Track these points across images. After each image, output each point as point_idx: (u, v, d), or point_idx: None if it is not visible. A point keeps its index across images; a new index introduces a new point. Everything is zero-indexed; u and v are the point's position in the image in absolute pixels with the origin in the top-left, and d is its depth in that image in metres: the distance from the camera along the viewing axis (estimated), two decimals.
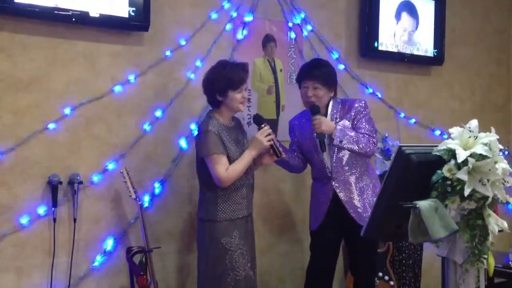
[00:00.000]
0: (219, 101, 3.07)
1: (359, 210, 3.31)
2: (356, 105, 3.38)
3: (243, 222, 3.11)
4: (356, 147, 3.25)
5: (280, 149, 3.21)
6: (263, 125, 3.13)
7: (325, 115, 3.37)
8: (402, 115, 4.69)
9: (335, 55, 4.32)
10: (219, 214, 3.03)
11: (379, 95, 4.55)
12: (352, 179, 3.34)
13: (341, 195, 3.33)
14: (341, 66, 4.34)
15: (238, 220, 3.07)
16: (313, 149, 3.39)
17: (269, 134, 3.10)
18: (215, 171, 2.98)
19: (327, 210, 3.36)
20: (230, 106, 3.08)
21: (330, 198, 3.35)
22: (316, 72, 3.34)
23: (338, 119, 3.35)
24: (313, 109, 3.29)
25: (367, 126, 3.34)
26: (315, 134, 3.27)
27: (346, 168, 3.33)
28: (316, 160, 3.40)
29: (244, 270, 3.04)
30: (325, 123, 3.25)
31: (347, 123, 3.33)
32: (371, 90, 4.50)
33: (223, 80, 3.02)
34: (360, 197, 3.33)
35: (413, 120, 4.76)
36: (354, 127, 3.33)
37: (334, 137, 3.23)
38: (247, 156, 3.05)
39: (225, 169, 2.98)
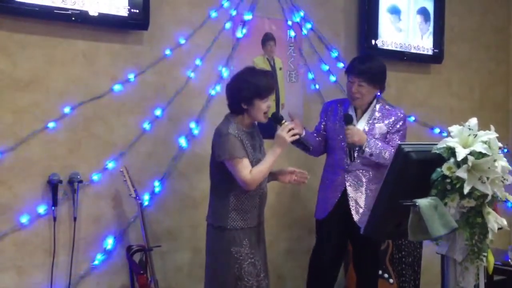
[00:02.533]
0: (242, 109, 2.94)
1: (360, 210, 3.32)
2: (395, 117, 3.41)
3: (254, 231, 3.02)
4: (382, 161, 3.29)
5: (308, 141, 3.13)
6: (283, 121, 3.02)
7: (365, 111, 3.41)
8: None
9: (334, 54, 4.32)
10: (229, 222, 2.92)
11: (378, 93, 4.55)
12: (365, 178, 3.36)
13: (350, 189, 3.34)
14: (340, 65, 4.34)
15: (248, 229, 2.97)
16: (340, 136, 3.39)
17: (291, 129, 2.94)
18: (239, 174, 2.85)
19: (337, 201, 3.37)
20: (253, 115, 2.94)
21: (342, 190, 3.36)
22: (363, 69, 3.32)
23: (376, 121, 3.38)
24: (347, 119, 3.30)
25: (400, 140, 3.36)
26: (347, 143, 3.27)
27: (362, 165, 3.35)
28: (339, 147, 3.40)
29: (256, 280, 2.94)
30: (358, 134, 3.26)
31: (383, 128, 3.38)
32: None
33: (251, 88, 2.88)
34: (366, 197, 3.34)
35: (412, 118, 4.77)
36: (387, 135, 3.37)
37: (364, 148, 3.25)
38: (272, 156, 2.92)
39: (249, 172, 2.86)
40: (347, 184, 3.35)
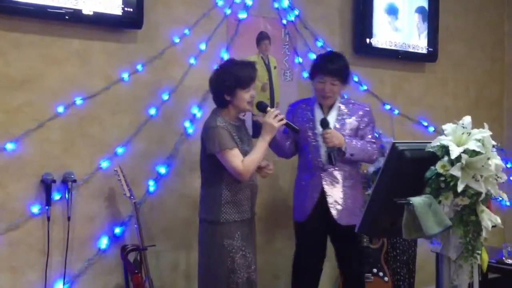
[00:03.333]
0: (226, 101, 2.99)
1: (338, 207, 3.34)
2: (363, 111, 3.46)
3: (246, 223, 3.05)
4: (365, 157, 3.39)
5: (295, 126, 3.19)
6: (268, 108, 3.07)
7: (330, 108, 3.41)
8: (396, 111, 4.70)
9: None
10: (222, 216, 2.96)
11: (373, 92, 4.56)
12: (340, 175, 3.37)
13: (327, 188, 3.35)
14: None
15: (240, 222, 3.00)
16: (311, 136, 3.40)
17: (277, 115, 2.99)
18: (231, 165, 2.89)
19: (316, 202, 3.37)
20: (238, 106, 3.00)
21: (320, 190, 3.37)
22: (335, 68, 3.34)
23: (346, 116, 3.40)
24: (323, 123, 3.30)
25: (372, 133, 3.45)
26: (326, 147, 3.28)
27: (337, 163, 3.35)
28: (310, 147, 3.40)
29: (247, 272, 2.99)
30: (336, 136, 3.27)
31: (354, 123, 3.40)
32: (365, 87, 4.51)
33: (232, 78, 2.94)
34: (343, 195, 3.36)
35: (406, 116, 4.77)
36: (358, 130, 3.41)
37: (345, 150, 3.28)
38: (261, 144, 2.97)
39: (241, 161, 2.91)
40: (324, 183, 3.36)
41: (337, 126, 3.37)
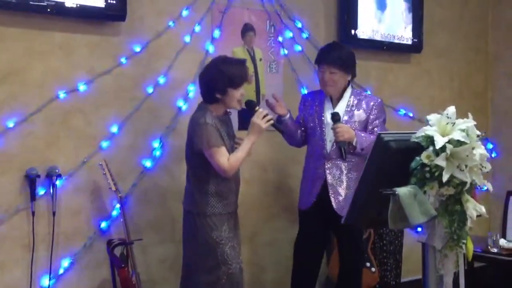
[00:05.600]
0: (216, 98, 3.00)
1: (340, 198, 3.34)
2: (373, 102, 3.44)
3: (232, 216, 3.09)
4: None
5: (281, 127, 3.29)
6: (257, 108, 3.09)
7: (339, 99, 3.43)
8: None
9: (314, 44, 4.30)
10: (209, 208, 2.99)
11: (359, 83, 4.55)
12: (345, 166, 3.37)
13: (329, 177, 3.36)
14: None
15: (226, 215, 3.03)
16: (317, 125, 3.44)
17: (266, 115, 3.03)
18: (217, 162, 2.92)
19: (319, 190, 3.38)
20: (227, 104, 3.03)
21: (323, 179, 3.37)
22: (333, 56, 3.37)
23: (354, 108, 3.41)
24: (334, 117, 3.30)
25: (381, 128, 3.42)
26: (337, 141, 3.28)
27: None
28: (318, 136, 3.43)
29: (237, 263, 3.02)
30: (347, 131, 3.27)
31: (362, 115, 3.40)
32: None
33: (225, 78, 2.95)
34: (346, 186, 3.35)
35: (392, 107, 4.78)
36: (368, 124, 3.40)
37: (356, 144, 3.28)
38: (247, 143, 3.00)
39: (227, 159, 2.93)
40: (327, 172, 3.37)
41: (345, 118, 3.38)
